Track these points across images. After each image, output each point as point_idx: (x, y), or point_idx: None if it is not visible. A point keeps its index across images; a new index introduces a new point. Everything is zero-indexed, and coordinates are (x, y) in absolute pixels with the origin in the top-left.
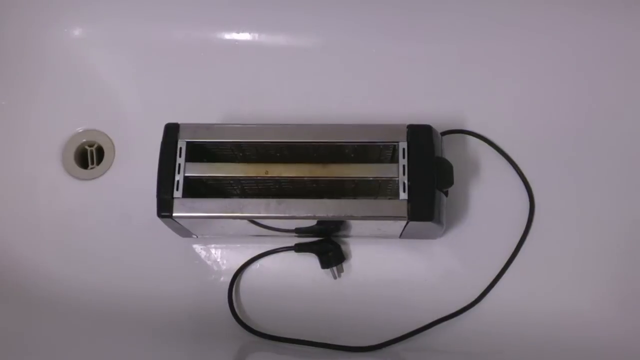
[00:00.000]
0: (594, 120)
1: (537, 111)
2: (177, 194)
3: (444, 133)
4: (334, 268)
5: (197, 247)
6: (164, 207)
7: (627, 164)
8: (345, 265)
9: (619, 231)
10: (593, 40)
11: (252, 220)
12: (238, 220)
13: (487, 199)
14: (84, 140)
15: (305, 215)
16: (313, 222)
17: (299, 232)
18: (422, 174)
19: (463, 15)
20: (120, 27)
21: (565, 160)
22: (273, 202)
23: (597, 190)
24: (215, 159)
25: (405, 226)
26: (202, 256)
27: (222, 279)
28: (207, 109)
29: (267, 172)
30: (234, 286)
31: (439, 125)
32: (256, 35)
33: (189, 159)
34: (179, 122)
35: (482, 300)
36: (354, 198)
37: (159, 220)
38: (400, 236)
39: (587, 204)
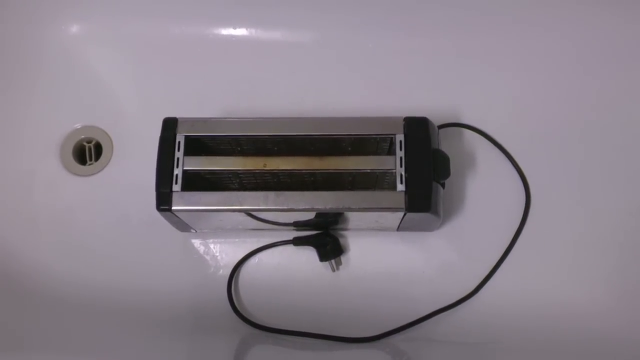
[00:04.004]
0: (590, 113)
1: (533, 104)
2: (176, 187)
3: (440, 126)
4: (332, 261)
5: (196, 242)
6: (163, 201)
7: (622, 156)
8: (343, 258)
9: (615, 223)
10: (589, 34)
11: (250, 213)
12: (237, 214)
13: (484, 192)
14: (82, 136)
15: (303, 207)
16: (311, 215)
17: (297, 225)
18: (419, 165)
19: (460, 9)
20: (117, 24)
21: (561, 152)
22: (271, 194)
23: (592, 182)
24: (213, 153)
25: (402, 218)
26: (201, 251)
27: (221, 272)
28: (205, 104)
29: (265, 165)
30: (233, 280)
31: (435, 118)
32: (253, 30)
33: (188, 152)
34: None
35: (480, 291)
36: (352, 190)
37: (157, 215)
38: (398, 229)
39: (583, 196)
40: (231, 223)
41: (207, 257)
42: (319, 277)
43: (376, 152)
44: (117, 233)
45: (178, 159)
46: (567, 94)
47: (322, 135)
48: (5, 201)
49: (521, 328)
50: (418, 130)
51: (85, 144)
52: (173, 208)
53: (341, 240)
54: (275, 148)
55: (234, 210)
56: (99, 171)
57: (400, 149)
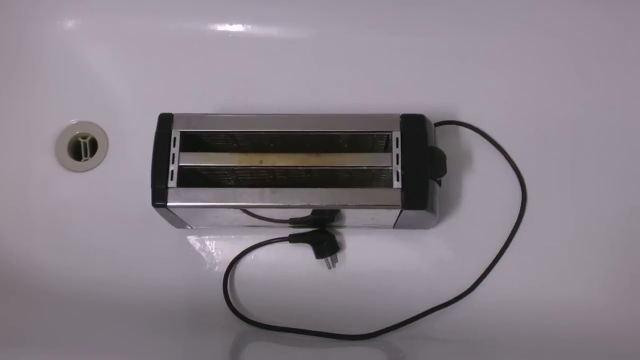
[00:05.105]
0: (586, 111)
1: (529, 102)
2: (172, 183)
3: (437, 124)
4: (329, 258)
5: (192, 238)
6: (159, 197)
7: (618, 154)
8: (339, 255)
9: (611, 221)
10: (585, 32)
11: (246, 210)
12: (232, 210)
13: (480, 190)
14: (78, 132)
15: (299, 204)
16: (307, 212)
17: (293, 222)
18: (415, 163)
19: (456, 8)
20: (113, 19)
21: (557, 150)
22: (267, 191)
23: (588, 180)
24: (209, 149)
25: (398, 215)
26: (197, 247)
27: (216, 269)
28: (201, 100)
29: (261, 162)
30: (229, 277)
31: (432, 116)
32: (249, 27)
33: (183, 149)
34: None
35: (475, 289)
36: (348, 187)
37: (153, 211)
38: (394, 226)
39: (579, 194)
40: (227, 220)
41: (203, 254)
42: (314, 274)
43: (373, 149)
44: (112, 229)
45: (174, 155)
46: (563, 93)
47: (318, 132)
48: (0, 197)
49: (517, 326)
50: (415, 127)
51: (80, 139)
52: (168, 204)
53: (337, 238)
54: (272, 144)
55: (229, 207)
56: (94, 167)
57: (397, 146)
